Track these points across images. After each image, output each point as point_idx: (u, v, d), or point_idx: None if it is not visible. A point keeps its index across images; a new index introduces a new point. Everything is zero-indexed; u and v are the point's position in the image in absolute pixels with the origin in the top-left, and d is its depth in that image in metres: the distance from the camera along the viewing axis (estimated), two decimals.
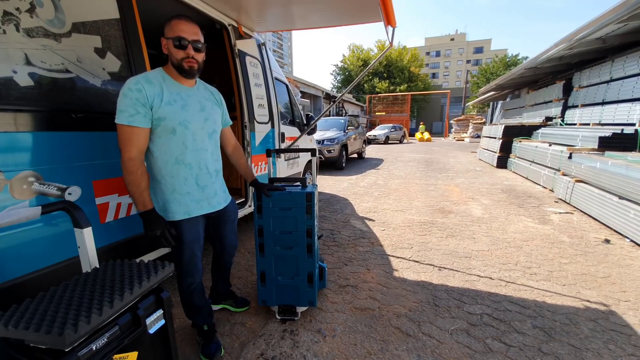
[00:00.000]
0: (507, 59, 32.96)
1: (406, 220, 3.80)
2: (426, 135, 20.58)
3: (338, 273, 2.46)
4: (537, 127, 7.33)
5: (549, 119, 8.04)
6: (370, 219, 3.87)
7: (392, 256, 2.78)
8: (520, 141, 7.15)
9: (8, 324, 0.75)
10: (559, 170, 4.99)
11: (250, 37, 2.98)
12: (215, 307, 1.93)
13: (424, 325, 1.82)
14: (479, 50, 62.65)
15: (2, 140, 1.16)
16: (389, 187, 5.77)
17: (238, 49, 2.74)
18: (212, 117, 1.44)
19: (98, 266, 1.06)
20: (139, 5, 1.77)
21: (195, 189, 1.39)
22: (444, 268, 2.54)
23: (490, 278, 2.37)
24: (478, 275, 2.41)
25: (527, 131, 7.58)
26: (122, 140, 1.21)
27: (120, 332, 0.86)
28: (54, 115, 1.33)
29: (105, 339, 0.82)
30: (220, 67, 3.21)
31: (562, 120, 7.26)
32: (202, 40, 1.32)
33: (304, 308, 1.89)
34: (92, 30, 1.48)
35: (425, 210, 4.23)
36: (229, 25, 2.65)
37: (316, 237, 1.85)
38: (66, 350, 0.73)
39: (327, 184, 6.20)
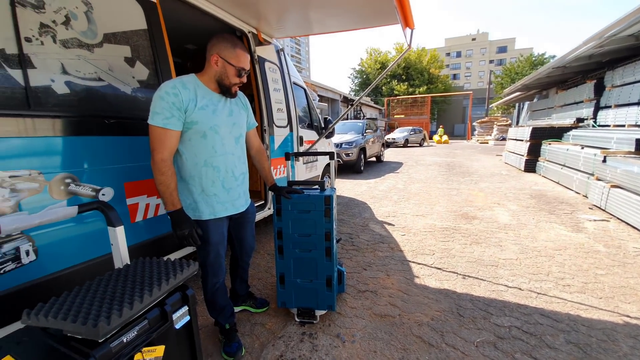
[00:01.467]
0: (533, 58, 31.60)
1: (427, 225, 3.71)
2: (444, 137, 21.27)
3: (357, 278, 2.44)
4: (567, 129, 6.94)
5: (580, 120, 7.60)
6: (389, 224, 3.81)
7: (413, 262, 2.72)
8: (549, 144, 6.81)
9: (48, 314, 0.80)
10: (592, 174, 4.69)
11: (269, 43, 3.05)
12: (236, 309, 1.96)
13: (448, 335, 1.75)
14: (502, 49, 60.53)
15: (42, 144, 1.25)
16: (409, 191, 5.66)
17: (257, 55, 2.80)
18: (239, 122, 1.50)
19: (129, 263, 1.11)
20: (165, 15, 1.85)
21: (222, 191, 1.44)
22: (469, 276, 2.44)
23: (520, 289, 2.26)
24: (506, 285, 2.30)
25: (556, 133, 7.20)
26: (154, 142, 1.25)
27: (149, 326, 0.89)
28: (89, 120, 1.41)
29: (135, 332, 0.85)
30: None
31: (595, 122, 6.84)
32: None
33: (323, 312, 1.88)
34: (122, 41, 1.56)
35: (447, 215, 4.10)
36: (249, 32, 2.72)
37: (335, 241, 1.85)
38: (100, 341, 0.77)
39: (345, 187, 6.18)
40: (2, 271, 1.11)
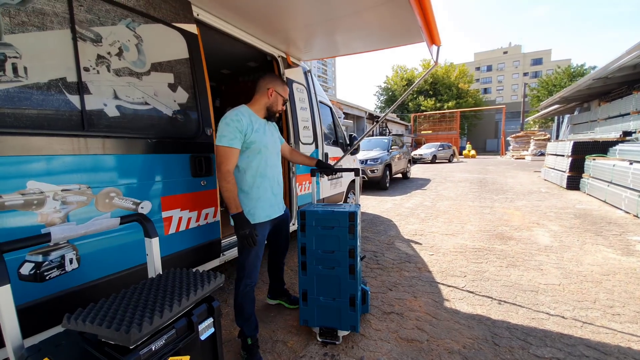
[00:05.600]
0: (572, 69, 29.85)
1: (458, 245, 3.52)
2: (472, 152, 23.14)
3: (382, 298, 2.35)
4: (613, 143, 6.41)
5: (627, 133, 7.00)
6: (416, 242, 3.67)
7: (442, 284, 2.58)
8: (594, 159, 6.30)
9: (86, 319, 0.85)
10: None
11: (297, 65, 3.19)
12: (272, 302, 2.27)
13: None
14: (537, 61, 58.07)
15: (92, 162, 1.37)
16: (437, 209, 5.45)
17: (286, 77, 2.94)
18: (277, 140, 1.86)
19: (161, 273, 1.17)
20: (204, 44, 2.02)
21: (272, 197, 1.74)
22: (505, 302, 2.27)
23: (563, 317, 2.05)
24: (547, 313, 2.10)
25: (601, 147, 6.67)
26: (221, 157, 1.54)
27: (176, 335, 0.93)
28: (134, 140, 1.54)
29: (163, 341, 0.89)
30: None
31: None
32: None
33: (346, 332, 1.83)
34: (166, 69, 1.72)
35: (480, 235, 3.88)
36: (279, 56, 2.87)
37: (359, 258, 1.82)
38: (130, 347, 0.81)
39: (370, 204, 6.09)
40: (47, 277, 1.20)
